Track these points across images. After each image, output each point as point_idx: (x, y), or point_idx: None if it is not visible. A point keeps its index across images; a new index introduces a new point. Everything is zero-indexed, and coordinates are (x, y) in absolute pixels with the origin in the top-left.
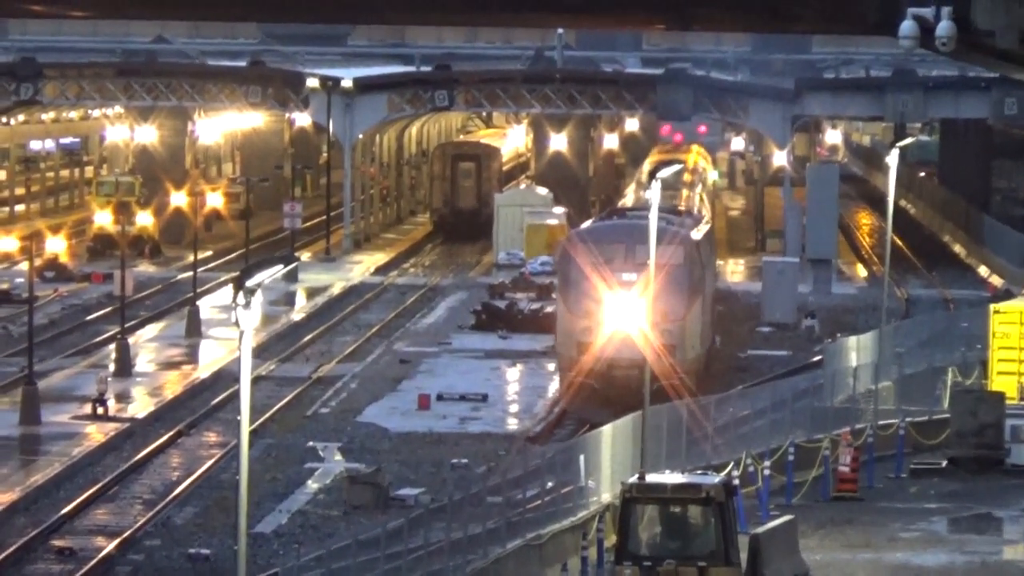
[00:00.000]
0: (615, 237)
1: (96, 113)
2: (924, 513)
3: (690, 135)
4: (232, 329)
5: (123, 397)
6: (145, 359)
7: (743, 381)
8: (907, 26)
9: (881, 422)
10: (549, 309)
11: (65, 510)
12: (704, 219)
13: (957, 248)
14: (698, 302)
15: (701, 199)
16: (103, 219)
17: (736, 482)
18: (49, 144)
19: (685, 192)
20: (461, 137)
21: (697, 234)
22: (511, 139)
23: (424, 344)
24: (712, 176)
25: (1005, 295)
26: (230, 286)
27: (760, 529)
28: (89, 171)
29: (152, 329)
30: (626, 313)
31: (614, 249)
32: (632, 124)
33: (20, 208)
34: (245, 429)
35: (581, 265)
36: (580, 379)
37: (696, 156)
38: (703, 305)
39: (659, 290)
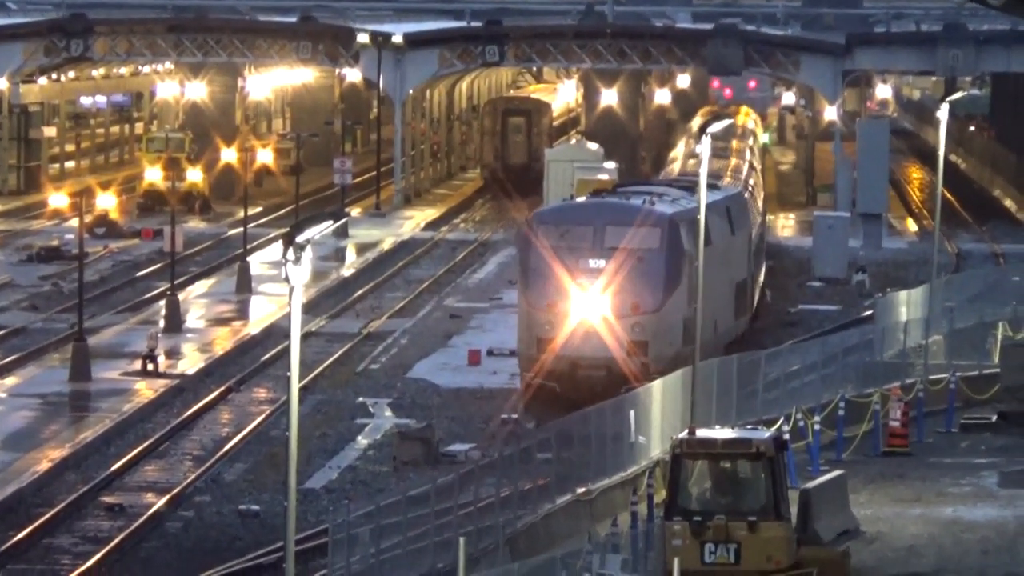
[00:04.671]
0: (581, 219)
1: (146, 69)
2: (974, 468)
3: (740, 90)
4: (282, 285)
5: (173, 353)
6: (195, 315)
7: (793, 336)
8: None
9: (931, 377)
10: None
11: (115, 466)
12: (731, 189)
13: (1007, 202)
14: (677, 292)
15: (751, 165)
16: (153, 175)
17: (786, 437)
18: (99, 100)
19: (733, 160)
20: (511, 92)
21: (683, 213)
22: (561, 94)
23: (474, 299)
24: (763, 139)
25: None
26: (280, 242)
27: (810, 484)
28: (139, 127)
29: (202, 285)
30: (591, 305)
31: (579, 233)
32: (684, 80)
33: (70, 165)
34: (295, 385)
35: (541, 251)
36: (540, 380)
37: (744, 117)
38: (687, 296)
39: (628, 279)
